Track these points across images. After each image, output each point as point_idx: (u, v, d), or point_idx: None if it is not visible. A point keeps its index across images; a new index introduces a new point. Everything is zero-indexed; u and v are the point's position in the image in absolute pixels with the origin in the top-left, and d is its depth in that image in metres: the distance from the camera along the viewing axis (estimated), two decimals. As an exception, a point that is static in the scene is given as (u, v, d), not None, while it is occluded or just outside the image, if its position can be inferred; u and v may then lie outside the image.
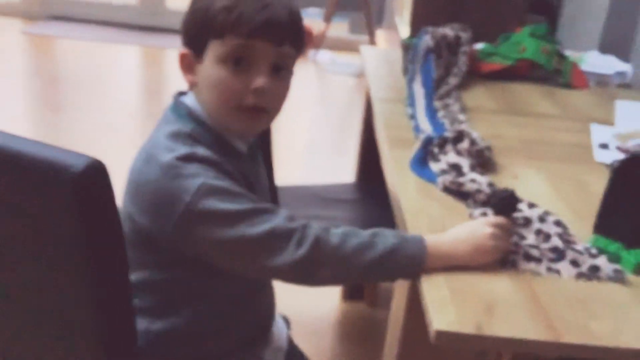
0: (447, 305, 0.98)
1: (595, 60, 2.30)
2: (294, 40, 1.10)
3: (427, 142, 1.46)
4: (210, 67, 1.07)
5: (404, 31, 3.21)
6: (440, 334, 0.93)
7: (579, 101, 2.04)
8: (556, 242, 1.15)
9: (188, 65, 1.10)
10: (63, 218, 0.86)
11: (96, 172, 0.85)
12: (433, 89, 1.88)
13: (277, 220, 1.00)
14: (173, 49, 4.48)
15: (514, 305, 1.00)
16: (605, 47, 2.56)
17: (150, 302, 1.09)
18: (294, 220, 1.02)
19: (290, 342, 1.35)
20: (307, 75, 4.80)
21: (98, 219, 0.87)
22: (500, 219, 1.11)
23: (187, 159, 1.01)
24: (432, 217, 1.22)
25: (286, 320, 1.39)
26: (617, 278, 1.08)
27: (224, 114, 1.08)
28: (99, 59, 4.62)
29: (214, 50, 1.06)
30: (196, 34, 1.08)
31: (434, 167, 1.41)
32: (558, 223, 1.22)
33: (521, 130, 1.74)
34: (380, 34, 5.17)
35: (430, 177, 1.39)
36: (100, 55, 4.69)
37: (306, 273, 1.02)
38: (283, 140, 3.52)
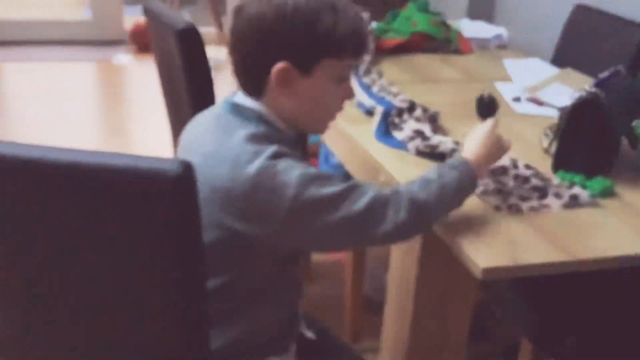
0: (480, 247, 1.13)
1: (470, 27, 2.56)
2: None
3: (386, 115, 1.59)
4: (321, 83, 1.11)
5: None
6: (487, 271, 1.08)
7: (473, 64, 2.28)
8: (535, 182, 1.34)
9: (287, 78, 1.08)
10: (158, 223, 0.88)
11: (191, 174, 0.87)
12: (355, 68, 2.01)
13: (371, 192, 1.07)
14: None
15: (528, 237, 1.17)
16: (473, 14, 2.85)
17: (223, 308, 1.11)
18: (382, 189, 1.10)
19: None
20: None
21: (190, 221, 0.90)
22: (492, 122, 1.30)
23: (277, 156, 1.03)
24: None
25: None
26: (593, 202, 1.30)
27: (316, 122, 1.18)
28: (52, 79, 4.28)
29: (327, 68, 1.09)
30: (309, 51, 1.08)
31: (399, 135, 1.55)
32: (528, 166, 1.41)
33: (442, 95, 1.93)
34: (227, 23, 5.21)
35: (396, 145, 1.52)
36: (53, 75, 4.34)
37: (410, 231, 1.12)
38: (144, 137, 3.53)
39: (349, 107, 1.73)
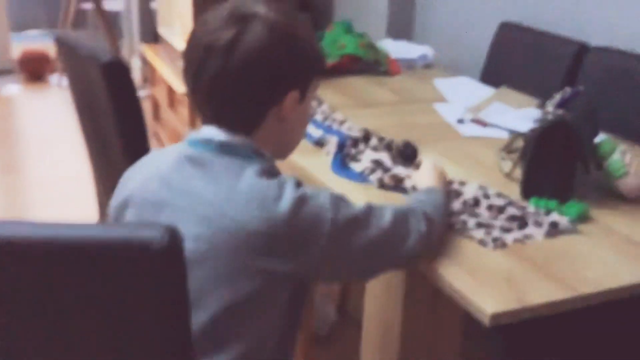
0: (481, 291, 1.04)
1: (395, 47, 2.52)
2: None
3: (342, 146, 1.49)
4: (307, 106, 1.10)
5: (179, 42, 3.15)
6: (496, 316, 0.99)
7: (405, 85, 2.22)
8: (512, 211, 1.28)
9: (295, 107, 1.05)
10: (145, 295, 0.74)
11: (178, 240, 0.73)
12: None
13: (389, 208, 1.06)
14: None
15: (525, 273, 1.10)
16: (392, 34, 2.82)
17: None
18: (394, 205, 1.10)
19: None
20: (54, 102, 4.41)
21: (178, 292, 0.76)
22: (431, 161, 1.37)
23: (299, 184, 1.00)
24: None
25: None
26: (573, 229, 1.25)
27: (292, 148, 1.13)
28: None
29: (312, 90, 1.09)
30: (308, 75, 1.06)
31: (357, 167, 1.45)
32: (500, 195, 1.35)
33: (383, 119, 1.86)
34: (126, 46, 4.96)
35: (355, 177, 1.43)
36: None
37: (428, 244, 1.10)
38: (39, 175, 3.26)
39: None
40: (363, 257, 1.02)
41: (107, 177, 1.73)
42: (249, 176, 0.97)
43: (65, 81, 4.81)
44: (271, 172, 1.01)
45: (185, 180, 0.99)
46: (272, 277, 0.96)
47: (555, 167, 1.35)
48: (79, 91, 1.73)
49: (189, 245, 0.89)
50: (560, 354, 1.54)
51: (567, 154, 1.34)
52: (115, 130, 1.54)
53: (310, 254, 0.96)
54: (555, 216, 1.26)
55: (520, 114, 1.90)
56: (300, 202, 0.96)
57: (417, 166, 1.43)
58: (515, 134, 1.76)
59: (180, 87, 2.86)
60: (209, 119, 1.04)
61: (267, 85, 1.00)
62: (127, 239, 0.73)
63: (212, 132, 1.03)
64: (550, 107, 1.39)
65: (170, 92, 3.36)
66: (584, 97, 1.48)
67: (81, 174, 3.34)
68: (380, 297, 1.28)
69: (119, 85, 1.51)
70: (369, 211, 1.03)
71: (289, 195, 0.96)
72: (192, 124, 2.92)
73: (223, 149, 1.01)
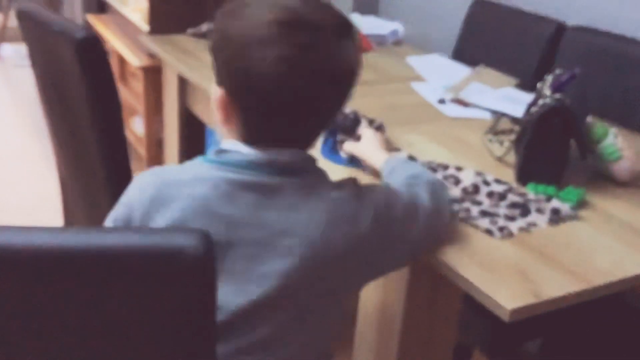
0: (497, 285, 1.02)
1: (364, 23, 2.46)
2: None
3: (333, 132, 1.44)
4: None
5: (135, 17, 3.02)
6: (514, 311, 0.97)
7: (379, 63, 2.18)
8: (513, 198, 1.26)
9: None
10: (176, 299, 0.68)
11: (212, 247, 0.68)
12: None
13: (420, 185, 1.08)
14: None
15: (536, 265, 1.08)
16: (359, 9, 2.76)
17: None
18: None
19: None
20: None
21: (211, 295, 0.71)
22: (371, 129, 1.41)
23: (359, 187, 0.98)
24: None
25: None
26: (574, 215, 1.24)
27: None
28: None
29: None
30: None
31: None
32: (499, 181, 1.32)
33: (365, 100, 1.80)
34: (67, 15, 4.72)
35: (343, 162, 1.39)
36: None
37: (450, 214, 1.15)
38: None
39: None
40: (429, 236, 1.04)
41: (76, 164, 1.63)
42: (325, 195, 0.90)
43: (4, 51, 4.56)
44: (340, 185, 0.94)
45: (251, 213, 0.86)
46: (360, 287, 0.99)
47: (552, 153, 1.33)
48: (44, 69, 1.61)
49: (272, 283, 0.84)
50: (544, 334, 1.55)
51: (564, 139, 1.33)
52: (90, 115, 1.44)
53: (391, 253, 0.98)
54: (556, 202, 1.25)
55: (500, 94, 1.89)
56: (374, 208, 0.93)
57: (358, 138, 1.39)
58: (498, 115, 1.74)
59: (135, 60, 2.73)
60: (268, 136, 0.90)
61: (348, 95, 0.94)
62: (160, 245, 0.67)
63: (271, 153, 0.89)
64: (546, 90, 1.36)
65: (122, 65, 3.22)
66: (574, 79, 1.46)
67: (29, 154, 3.18)
68: (380, 289, 1.24)
69: (94, 65, 1.40)
70: (405, 195, 1.03)
71: (364, 205, 0.93)
72: (148, 100, 2.80)
73: (278, 170, 0.89)
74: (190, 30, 2.24)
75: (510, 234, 1.16)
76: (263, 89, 0.84)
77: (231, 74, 0.87)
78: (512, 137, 1.53)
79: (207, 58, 2.01)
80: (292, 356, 0.91)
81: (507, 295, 0.99)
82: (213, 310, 0.73)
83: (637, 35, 1.90)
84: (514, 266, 1.07)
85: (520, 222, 1.19)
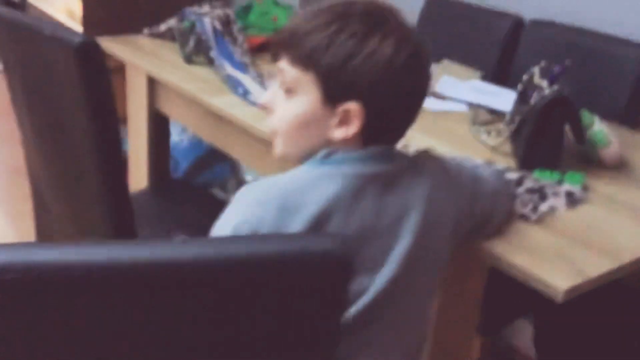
0: (546, 267, 1.07)
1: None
2: (290, 55, 0.96)
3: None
4: None
5: (61, 17, 2.90)
6: (568, 291, 1.03)
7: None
8: (529, 184, 1.32)
9: None
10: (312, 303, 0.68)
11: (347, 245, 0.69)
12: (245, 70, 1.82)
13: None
14: None
15: (570, 247, 1.14)
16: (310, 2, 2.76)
17: None
18: None
19: None
20: None
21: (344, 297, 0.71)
22: None
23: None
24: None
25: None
26: (586, 197, 1.32)
27: None
28: None
29: None
30: None
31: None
32: (510, 168, 1.39)
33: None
34: None
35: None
36: None
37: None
38: None
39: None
40: (501, 213, 1.18)
41: (63, 183, 1.55)
42: (425, 170, 1.00)
43: None
44: (429, 159, 1.05)
45: (377, 203, 0.92)
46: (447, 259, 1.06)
47: (551, 140, 1.41)
48: (25, 78, 1.52)
49: (395, 268, 0.91)
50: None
51: (562, 127, 1.41)
52: (86, 127, 1.36)
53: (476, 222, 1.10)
54: (568, 186, 1.33)
55: (470, 86, 1.96)
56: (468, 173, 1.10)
57: None
58: (474, 107, 1.82)
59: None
60: (389, 135, 0.98)
61: None
62: (300, 250, 0.67)
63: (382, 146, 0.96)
64: (540, 82, 1.44)
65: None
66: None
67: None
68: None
69: (94, 74, 1.33)
70: (491, 172, 1.20)
71: (454, 176, 1.06)
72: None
73: (397, 156, 1.00)
74: (147, 31, 2.18)
75: (542, 217, 1.22)
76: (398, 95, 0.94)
77: (377, 90, 0.91)
78: (500, 127, 1.61)
79: (171, 58, 1.98)
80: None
81: (558, 277, 1.05)
82: (343, 311, 0.73)
83: (596, 27, 2.01)
84: (550, 249, 1.13)
85: (543, 207, 1.25)
